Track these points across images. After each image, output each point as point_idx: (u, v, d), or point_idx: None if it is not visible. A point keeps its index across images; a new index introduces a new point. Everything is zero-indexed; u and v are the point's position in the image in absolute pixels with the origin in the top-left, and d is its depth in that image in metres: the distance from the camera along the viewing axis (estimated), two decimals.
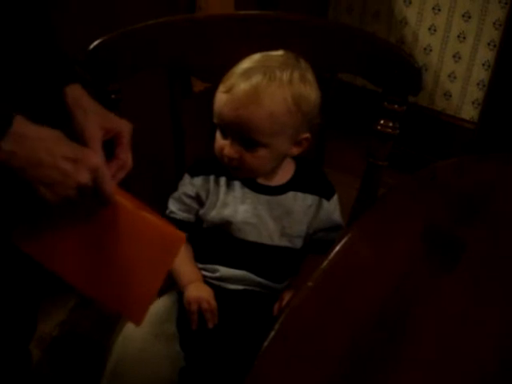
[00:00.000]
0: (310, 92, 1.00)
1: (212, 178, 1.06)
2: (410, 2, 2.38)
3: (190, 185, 1.08)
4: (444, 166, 1.10)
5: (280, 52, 1.02)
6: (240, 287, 1.06)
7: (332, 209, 1.09)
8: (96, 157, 0.83)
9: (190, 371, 0.98)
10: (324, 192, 1.08)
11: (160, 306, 1.15)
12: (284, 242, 1.06)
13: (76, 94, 0.91)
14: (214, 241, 1.07)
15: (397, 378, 0.73)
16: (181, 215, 1.08)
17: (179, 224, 1.06)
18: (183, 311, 1.05)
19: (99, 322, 1.65)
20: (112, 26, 1.08)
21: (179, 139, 1.19)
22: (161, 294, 1.19)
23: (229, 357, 0.97)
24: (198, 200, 1.07)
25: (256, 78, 0.96)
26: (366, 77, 1.11)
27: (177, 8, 1.79)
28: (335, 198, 1.09)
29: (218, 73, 1.12)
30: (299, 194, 1.06)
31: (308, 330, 0.78)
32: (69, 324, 1.68)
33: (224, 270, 1.05)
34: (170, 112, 1.17)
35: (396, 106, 1.09)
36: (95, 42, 1.04)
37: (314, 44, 1.11)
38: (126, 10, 1.63)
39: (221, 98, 0.98)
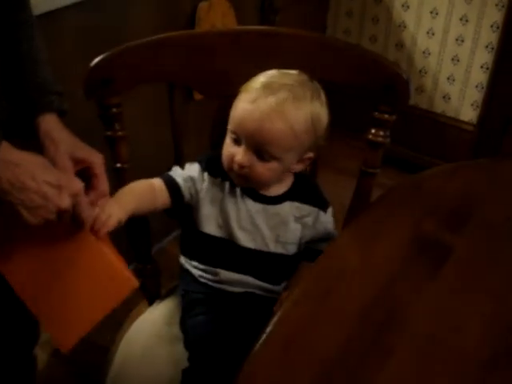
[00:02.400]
0: (325, 114, 1.04)
1: (218, 180, 1.09)
2: (408, 7, 2.42)
3: (200, 175, 1.08)
4: (431, 174, 1.14)
5: (295, 71, 1.05)
6: (240, 290, 1.10)
7: (328, 220, 1.13)
8: (77, 183, 0.87)
9: (193, 372, 1.02)
10: (321, 204, 1.12)
11: (164, 308, 1.20)
12: (278, 249, 1.10)
13: (48, 125, 0.95)
14: (212, 244, 1.10)
15: (385, 378, 0.77)
16: (182, 183, 1.08)
17: (177, 189, 1.07)
18: (186, 312, 1.10)
19: (105, 325, 1.69)
20: (116, 41, 1.13)
21: (179, 145, 1.23)
22: (164, 297, 1.24)
23: (231, 357, 1.00)
24: (195, 190, 1.09)
25: (282, 94, 0.99)
26: (357, 88, 1.15)
27: (177, 18, 1.84)
28: (330, 209, 1.14)
29: (214, 86, 1.17)
30: (296, 204, 1.10)
31: (298, 332, 0.82)
32: None
33: (224, 274, 1.09)
34: (170, 120, 1.21)
35: (386, 115, 1.13)
36: (97, 59, 1.09)
37: (307, 57, 1.15)
38: (134, 22, 1.68)
39: (244, 107, 1.00)
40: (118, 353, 1.12)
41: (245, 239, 1.08)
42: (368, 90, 1.14)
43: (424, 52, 2.46)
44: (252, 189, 1.08)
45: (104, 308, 0.91)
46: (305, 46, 1.16)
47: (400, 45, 2.51)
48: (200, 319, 1.06)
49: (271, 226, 1.09)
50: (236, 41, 1.17)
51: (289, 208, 1.09)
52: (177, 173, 1.09)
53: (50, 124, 0.95)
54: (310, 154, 1.07)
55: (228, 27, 1.88)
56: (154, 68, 1.15)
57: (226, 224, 1.08)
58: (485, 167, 1.19)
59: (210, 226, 1.09)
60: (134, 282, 0.91)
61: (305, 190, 1.12)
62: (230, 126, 1.04)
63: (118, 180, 1.13)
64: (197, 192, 1.08)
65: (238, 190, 1.08)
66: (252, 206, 1.08)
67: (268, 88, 1.00)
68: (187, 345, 1.06)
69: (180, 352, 1.06)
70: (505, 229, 1.02)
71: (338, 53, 1.16)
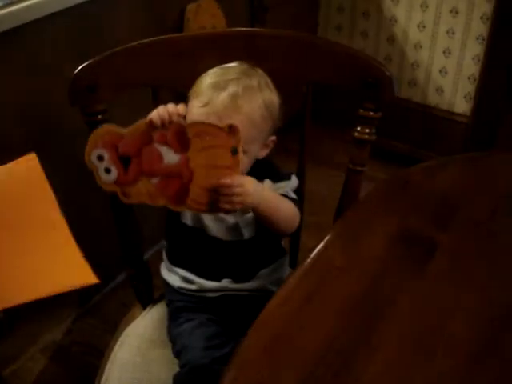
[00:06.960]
0: (275, 97, 1.06)
1: None
2: (398, 1, 2.42)
3: None
4: (418, 169, 1.14)
5: (235, 63, 1.07)
6: (219, 294, 1.11)
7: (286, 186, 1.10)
8: None
9: (184, 377, 1.02)
10: (279, 177, 1.10)
11: (156, 312, 1.21)
12: (234, 237, 1.10)
13: None
14: (188, 234, 1.11)
15: (371, 375, 0.77)
16: None
17: None
18: (172, 321, 1.11)
19: (104, 329, 1.71)
20: (104, 46, 1.13)
21: None
22: (157, 300, 1.25)
23: (220, 361, 1.00)
24: None
25: (232, 88, 1.00)
26: (340, 86, 1.16)
27: (165, 21, 1.85)
28: (294, 177, 1.12)
29: None
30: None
31: (282, 332, 0.83)
32: (74, 332, 1.74)
33: (201, 283, 1.11)
34: None
35: (371, 112, 1.13)
36: (81, 66, 1.09)
37: (290, 58, 1.15)
38: (121, 26, 1.68)
39: (198, 112, 1.00)
40: (112, 357, 1.13)
41: (215, 229, 1.08)
42: (352, 87, 1.14)
43: (415, 45, 2.46)
44: None
45: (48, 289, 0.85)
46: (288, 47, 1.16)
47: (391, 39, 2.51)
48: (185, 327, 1.07)
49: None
50: (220, 43, 1.17)
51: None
52: None
53: None
54: (273, 138, 1.08)
55: (216, 29, 1.89)
56: (139, 73, 1.16)
57: (198, 216, 1.09)
58: (472, 161, 1.19)
59: (186, 217, 1.10)
60: (94, 278, 0.87)
61: (261, 169, 1.09)
62: None
63: None
64: None
65: None
66: None
67: (216, 87, 1.00)
68: (175, 353, 1.07)
69: (172, 356, 1.07)
70: (491, 223, 1.03)
71: (320, 52, 1.15)
